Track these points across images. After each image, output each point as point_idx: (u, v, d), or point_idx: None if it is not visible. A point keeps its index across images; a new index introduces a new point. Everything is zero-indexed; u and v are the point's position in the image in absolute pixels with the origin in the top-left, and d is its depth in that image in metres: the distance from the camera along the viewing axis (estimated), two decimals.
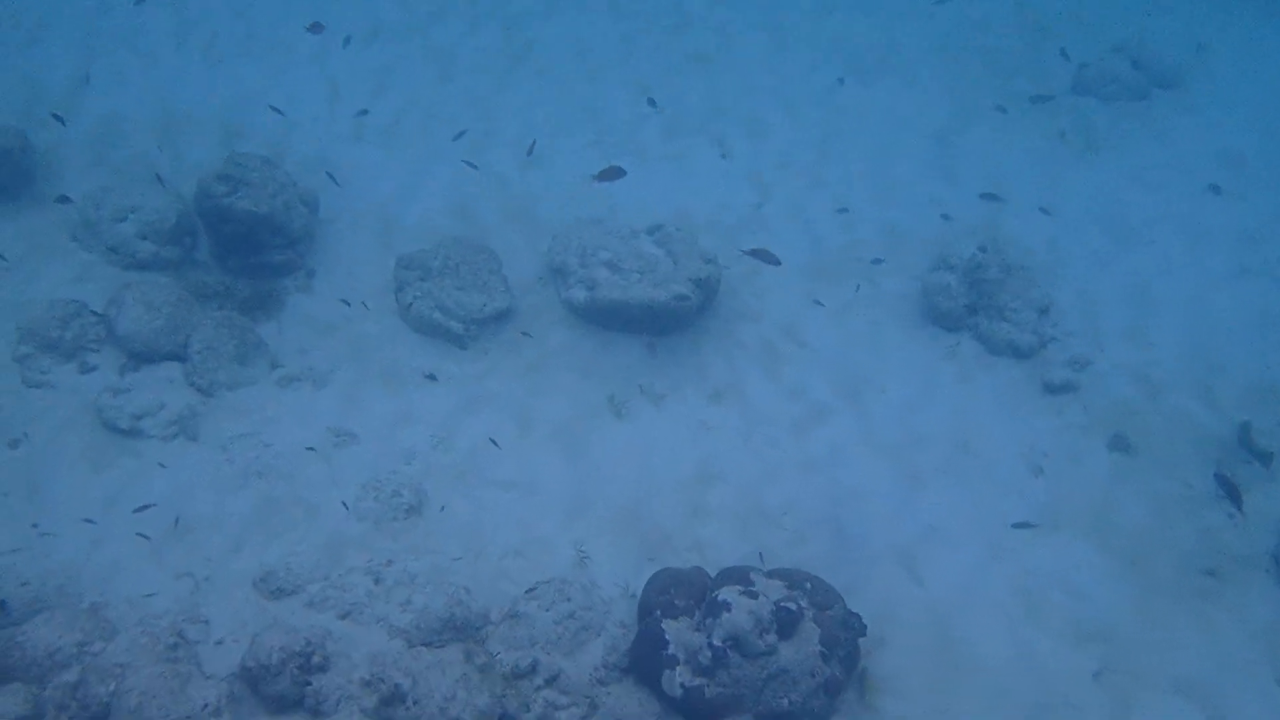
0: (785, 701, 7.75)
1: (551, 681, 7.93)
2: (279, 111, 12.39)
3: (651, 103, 11.94)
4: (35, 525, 8.36)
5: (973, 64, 16.00)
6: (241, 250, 10.90)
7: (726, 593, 8.10)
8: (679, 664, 7.79)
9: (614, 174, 8.97)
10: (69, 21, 13.36)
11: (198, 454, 9.25)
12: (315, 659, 7.46)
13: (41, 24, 13.18)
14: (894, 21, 16.76)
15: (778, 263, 9.59)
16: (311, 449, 9.50)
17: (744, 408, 10.81)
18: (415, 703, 7.33)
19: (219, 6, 14.28)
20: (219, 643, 7.79)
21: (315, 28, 10.19)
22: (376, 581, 8.47)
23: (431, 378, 10.55)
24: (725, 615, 7.85)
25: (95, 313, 9.86)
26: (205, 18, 14.04)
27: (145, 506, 8.57)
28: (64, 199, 9.93)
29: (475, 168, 12.28)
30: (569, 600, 8.49)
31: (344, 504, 9.07)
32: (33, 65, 12.58)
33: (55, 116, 10.47)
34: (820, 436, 10.64)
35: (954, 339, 11.78)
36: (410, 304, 10.98)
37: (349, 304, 10.59)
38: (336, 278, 11.38)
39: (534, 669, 7.96)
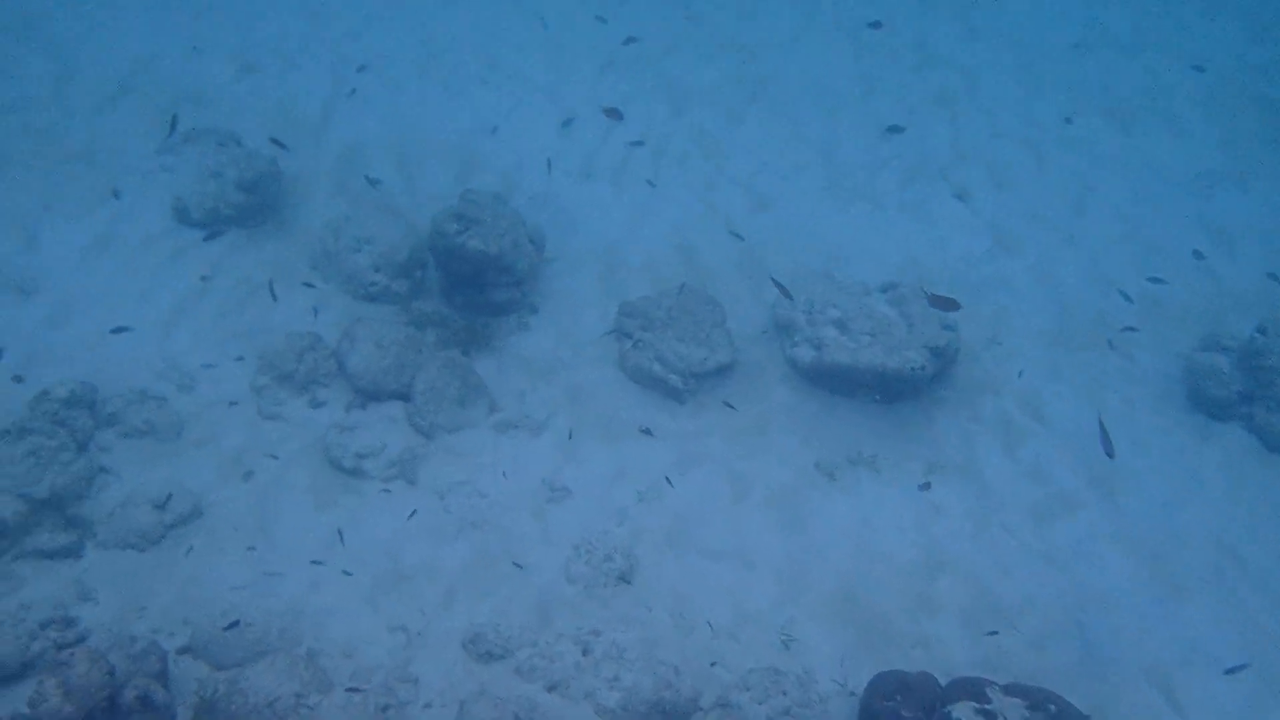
0: None
1: None
2: (496, 131, 12.41)
3: (896, 129, 11.00)
4: (251, 548, 8.45)
5: (1250, 113, 14.51)
6: (468, 287, 10.88)
7: (960, 710, 7.39)
8: None
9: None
10: (323, 46, 13.77)
11: (416, 498, 9.20)
12: None
13: (302, 49, 13.61)
14: (1160, 64, 15.43)
15: (958, 307, 8.59)
16: (500, 473, 9.33)
17: (978, 489, 10.00)
18: None
19: (463, 36, 14.44)
20: (427, 705, 7.64)
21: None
22: (585, 652, 8.15)
23: (647, 432, 10.20)
24: None
25: (314, 334, 10.00)
26: (450, 46, 14.22)
27: (317, 562, 8.51)
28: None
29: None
30: (784, 694, 7.95)
31: (517, 565, 8.82)
32: (288, 91, 13.00)
33: (275, 141, 10.73)
34: (1064, 528, 9.71)
35: (1223, 429, 10.57)
36: (629, 353, 10.69)
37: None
38: (558, 319, 11.21)
39: None
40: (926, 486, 9.89)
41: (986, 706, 7.47)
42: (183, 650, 7.74)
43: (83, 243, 10.62)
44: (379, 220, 11.19)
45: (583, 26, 14.94)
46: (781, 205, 12.73)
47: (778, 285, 9.19)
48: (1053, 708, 7.64)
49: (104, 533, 8.29)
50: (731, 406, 10.40)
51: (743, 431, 10.36)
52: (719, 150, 13.38)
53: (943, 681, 7.96)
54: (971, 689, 7.73)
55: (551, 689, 7.88)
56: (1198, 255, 10.90)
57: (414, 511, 8.93)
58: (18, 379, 9.01)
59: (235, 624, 7.68)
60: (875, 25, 11.48)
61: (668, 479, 9.57)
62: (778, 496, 9.80)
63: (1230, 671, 8.46)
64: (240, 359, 9.90)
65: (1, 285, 9.97)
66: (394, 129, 12.86)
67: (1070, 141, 14.01)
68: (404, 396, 9.89)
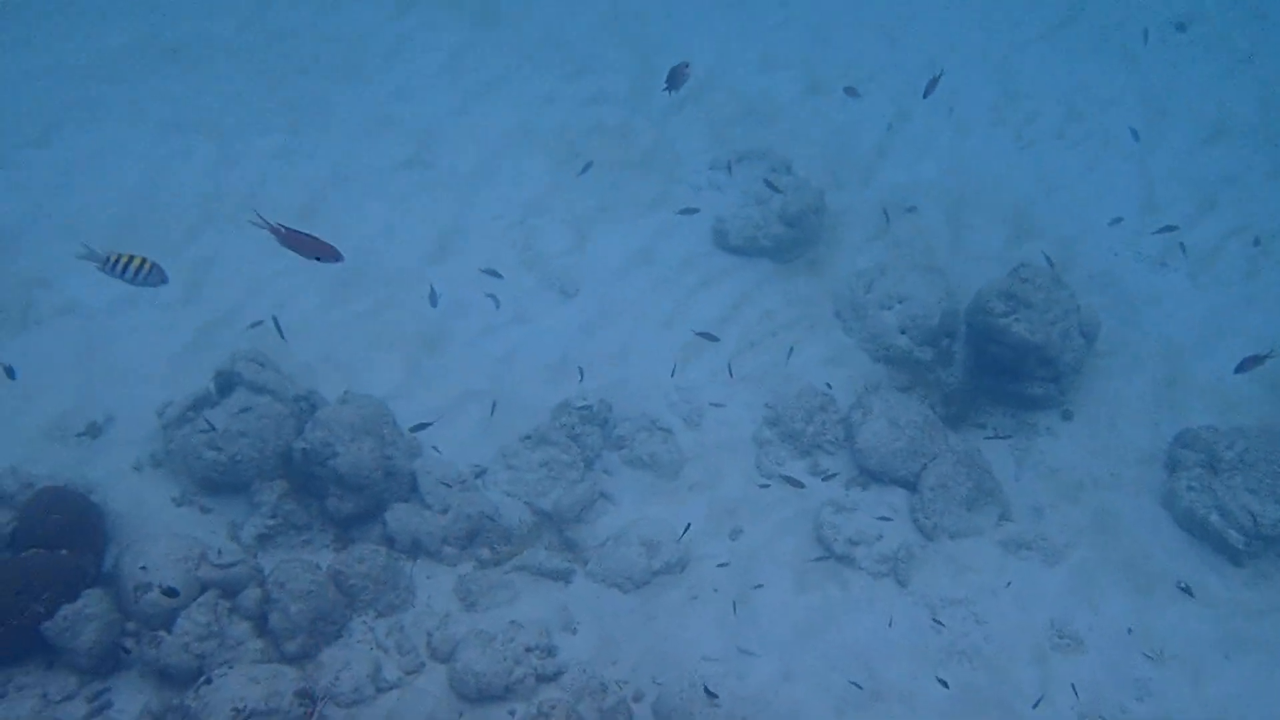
0: None
1: None
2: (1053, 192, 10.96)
3: None
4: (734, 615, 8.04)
5: None
6: (1000, 373, 9.74)
7: None
8: None
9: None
10: (894, 73, 13.03)
11: (904, 607, 8.34)
12: None
13: (872, 75, 12.99)
14: None
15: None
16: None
17: None
18: None
19: (1048, 80, 13.06)
20: None
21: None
22: None
23: (1187, 591, 8.56)
24: None
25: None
26: (1031, 91, 12.93)
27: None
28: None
29: None
30: None
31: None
32: (849, 118, 12.47)
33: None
34: None
35: None
36: (1182, 493, 9.02)
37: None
38: (1096, 426, 9.79)
39: None
40: None
41: None
42: (643, 706, 7.53)
43: (626, 251, 10.82)
44: (914, 277, 10.36)
45: (1191, 83, 12.93)
46: None
47: None
48: None
49: (594, 563, 8.29)
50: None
51: None
52: None
53: None
54: None
55: None
56: None
57: (943, 634, 8.04)
58: (580, 372, 9.28)
59: (712, 694, 7.28)
60: None
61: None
62: None
63: None
64: (765, 407, 9.49)
65: (548, 284, 10.41)
66: (950, 175, 11.89)
67: None
68: (909, 485, 9.05)
